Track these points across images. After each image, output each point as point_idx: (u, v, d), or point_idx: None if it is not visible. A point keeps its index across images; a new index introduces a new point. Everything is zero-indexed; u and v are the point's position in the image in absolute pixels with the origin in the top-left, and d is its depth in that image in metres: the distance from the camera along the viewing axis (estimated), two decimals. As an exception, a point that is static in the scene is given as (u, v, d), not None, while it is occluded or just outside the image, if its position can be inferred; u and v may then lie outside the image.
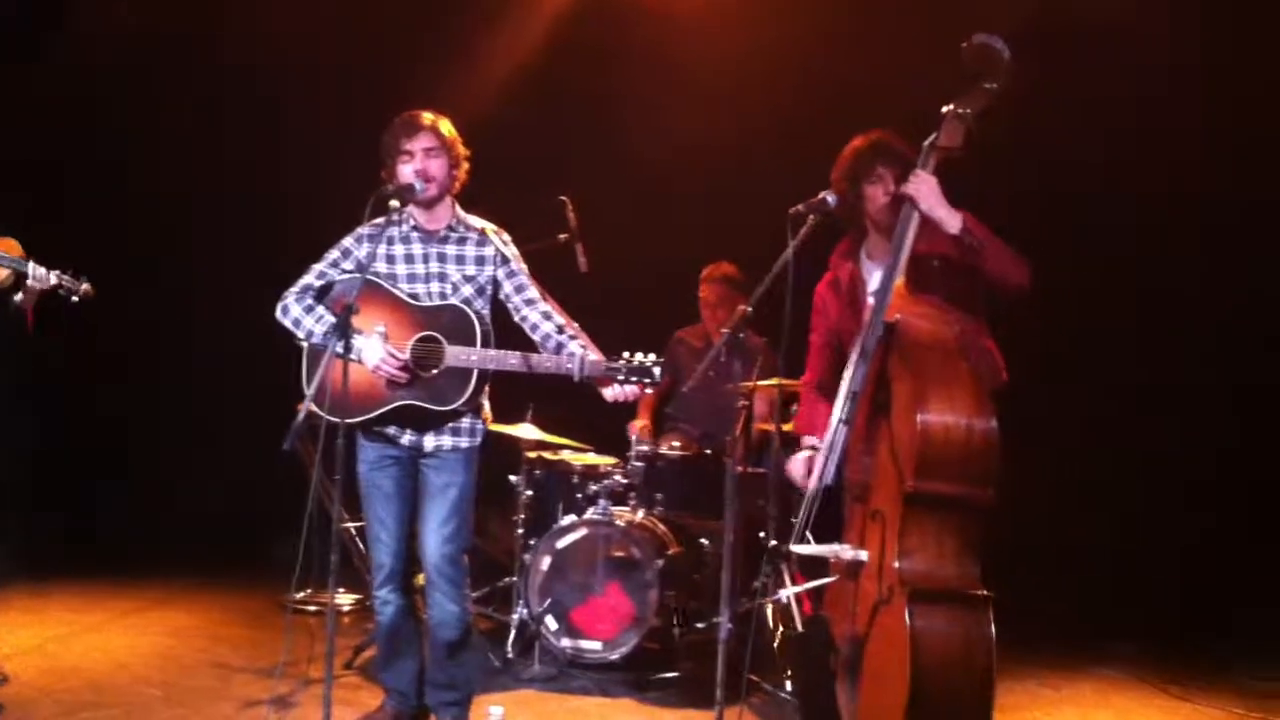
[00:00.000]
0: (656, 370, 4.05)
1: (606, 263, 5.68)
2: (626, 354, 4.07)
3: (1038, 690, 5.49)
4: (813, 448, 4.21)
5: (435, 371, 4.20)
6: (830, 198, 3.99)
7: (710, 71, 7.19)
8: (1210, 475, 6.92)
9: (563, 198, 5.59)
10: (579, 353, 4.13)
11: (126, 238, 7.57)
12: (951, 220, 3.84)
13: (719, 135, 7.19)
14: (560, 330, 4.29)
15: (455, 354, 4.16)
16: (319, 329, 4.28)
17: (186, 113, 7.80)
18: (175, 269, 7.93)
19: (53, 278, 4.89)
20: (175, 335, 7.91)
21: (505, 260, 4.38)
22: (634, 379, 4.05)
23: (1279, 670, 5.79)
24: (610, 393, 4.14)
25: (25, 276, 4.86)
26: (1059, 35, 6.35)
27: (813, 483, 3.98)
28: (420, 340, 4.22)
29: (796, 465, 4.28)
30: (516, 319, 4.38)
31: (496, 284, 4.38)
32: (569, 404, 5.51)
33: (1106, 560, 7.00)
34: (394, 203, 4.17)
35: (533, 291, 4.38)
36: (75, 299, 4.98)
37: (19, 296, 4.89)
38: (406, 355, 4.20)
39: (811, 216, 3.94)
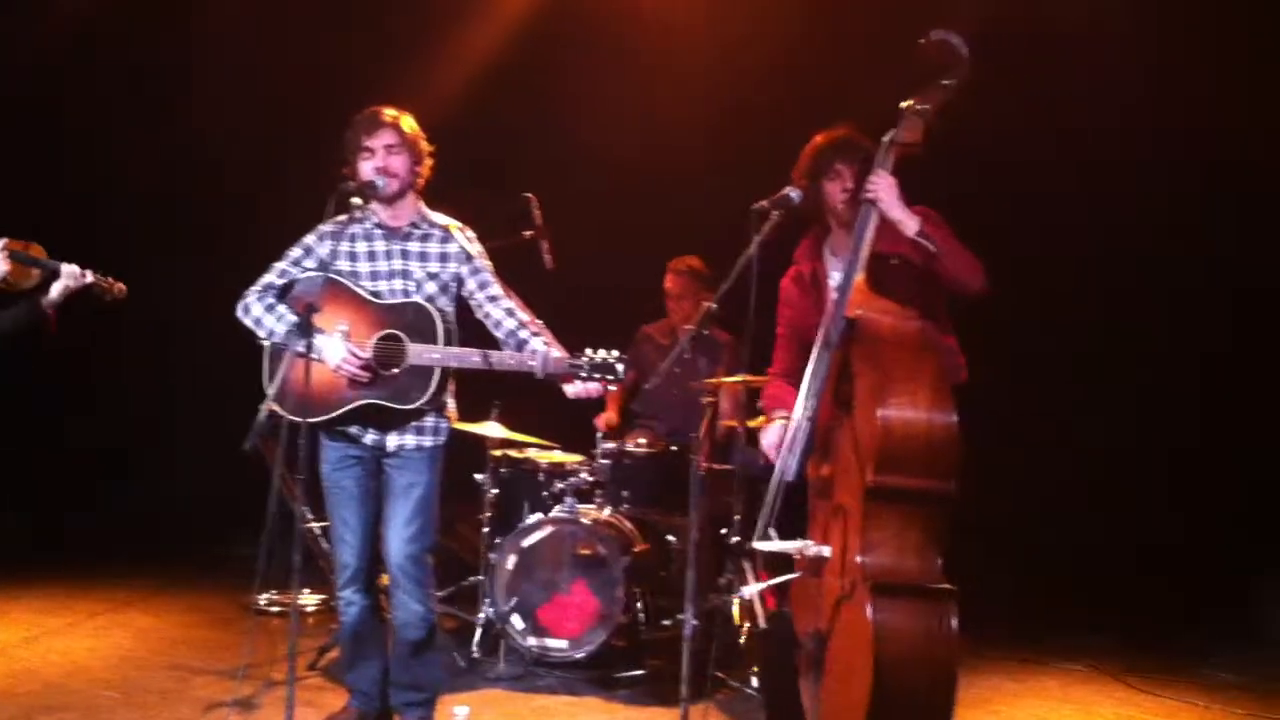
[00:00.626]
0: (619, 366, 4.04)
1: (572, 260, 5.67)
2: (589, 350, 4.06)
3: (1000, 683, 5.52)
4: (784, 418, 4.23)
5: (397, 370, 4.18)
6: (794, 193, 4.00)
7: (676, 68, 7.22)
8: (1172, 473, 6.99)
9: (528, 195, 5.58)
10: (541, 349, 4.12)
11: (96, 237, 7.53)
12: (909, 222, 3.86)
13: (684, 132, 7.22)
14: (523, 327, 4.27)
15: (417, 352, 4.14)
16: (280, 328, 4.25)
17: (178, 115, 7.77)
18: (145, 270, 7.87)
19: (88, 276, 4.87)
20: (140, 337, 7.85)
21: (469, 257, 4.37)
22: (597, 375, 4.05)
23: (1238, 663, 5.85)
24: (572, 390, 4.13)
25: (56, 277, 4.83)
26: (1019, 36, 6.39)
27: (775, 479, 3.98)
28: (382, 339, 4.20)
29: (770, 436, 4.30)
30: (479, 315, 4.37)
31: (460, 281, 4.36)
32: (535, 402, 5.52)
33: (1068, 555, 7.06)
34: (356, 200, 4.15)
35: (496, 288, 4.37)
36: (109, 299, 4.98)
37: (48, 298, 4.83)
38: (368, 354, 4.18)
39: (775, 212, 3.94)
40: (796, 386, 4.17)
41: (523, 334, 4.25)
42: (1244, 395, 6.88)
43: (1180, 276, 6.97)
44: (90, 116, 7.71)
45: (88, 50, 7.56)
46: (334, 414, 4.22)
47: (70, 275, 4.82)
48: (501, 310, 4.33)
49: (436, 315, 4.19)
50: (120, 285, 4.99)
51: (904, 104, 3.86)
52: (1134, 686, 5.52)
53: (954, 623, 3.55)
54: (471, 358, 4.14)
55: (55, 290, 4.82)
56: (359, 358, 4.16)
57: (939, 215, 4.01)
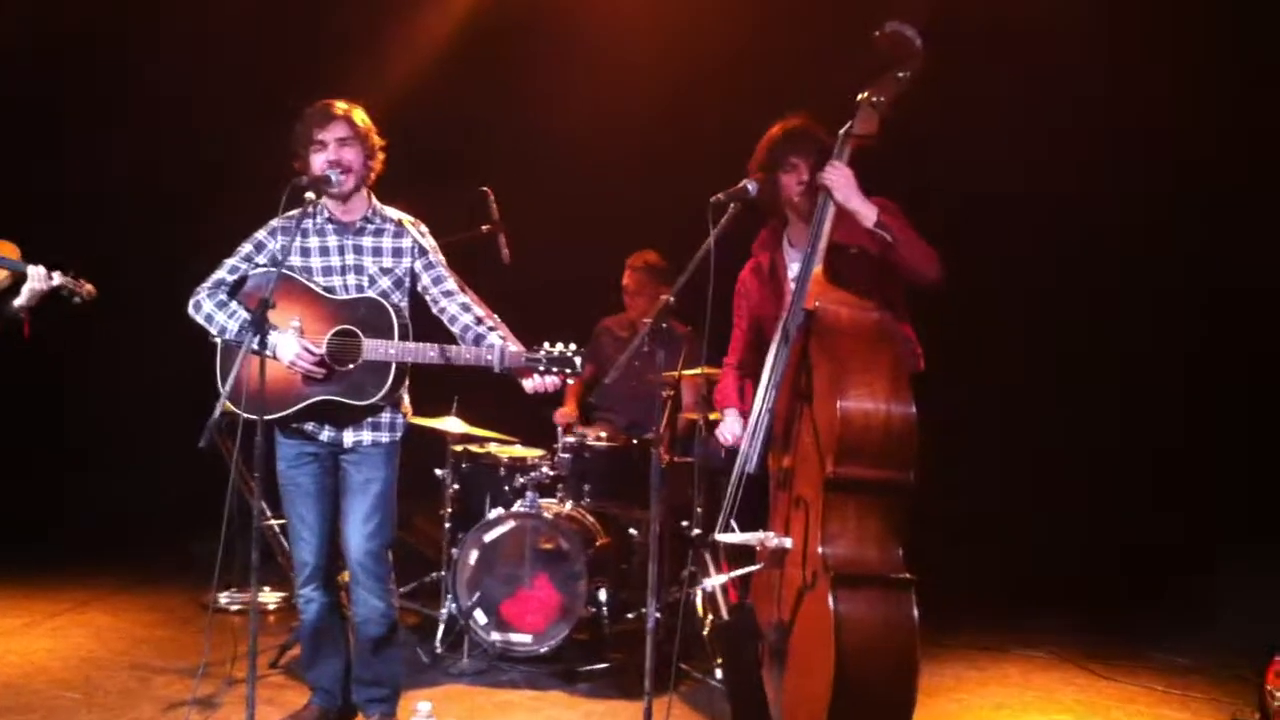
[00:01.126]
0: (578, 360, 4.04)
1: (529, 254, 5.65)
2: (547, 344, 4.05)
3: (963, 672, 5.54)
4: (736, 415, 4.25)
5: (353, 366, 4.15)
6: (751, 186, 4.00)
7: (632, 59, 7.17)
8: (1128, 458, 7.05)
9: (484, 189, 5.54)
10: (498, 344, 4.10)
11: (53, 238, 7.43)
12: (867, 212, 3.87)
13: (641, 124, 7.19)
14: (479, 322, 4.25)
15: (373, 347, 4.12)
16: (233, 325, 4.21)
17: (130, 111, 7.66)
18: (97, 270, 7.75)
19: (56, 278, 4.78)
20: (96, 336, 7.74)
21: (423, 251, 4.34)
22: (555, 369, 4.04)
23: (1194, 648, 5.89)
24: (530, 384, 4.12)
25: (24, 279, 4.74)
26: (973, 34, 6.41)
27: (736, 471, 3.99)
28: (336, 334, 4.17)
29: (723, 431, 4.31)
30: (435, 311, 4.34)
31: (414, 276, 4.34)
32: (494, 396, 5.49)
33: (1029, 544, 7.11)
34: (309, 194, 4.12)
35: (451, 283, 4.35)
36: (77, 300, 4.88)
37: (18, 301, 4.75)
38: (322, 350, 4.15)
39: (732, 205, 3.94)
40: (750, 378, 4.22)
41: (479, 328, 4.23)
42: (1208, 392, 6.96)
43: (1158, 276, 7.04)
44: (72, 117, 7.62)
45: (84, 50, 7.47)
46: (289, 411, 4.19)
47: (36, 277, 4.74)
48: (457, 305, 4.30)
49: (391, 310, 4.17)
50: (89, 286, 4.90)
51: (859, 96, 3.86)
52: (1094, 672, 5.57)
53: (914, 612, 3.57)
54: (428, 353, 4.11)
55: (24, 294, 4.75)
56: (313, 354, 4.12)
57: (897, 206, 4.02)
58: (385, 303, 4.19)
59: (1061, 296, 7.26)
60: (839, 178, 3.85)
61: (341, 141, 4.19)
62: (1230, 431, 6.89)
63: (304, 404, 4.18)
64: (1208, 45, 6.47)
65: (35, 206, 7.25)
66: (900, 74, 3.82)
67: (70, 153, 7.67)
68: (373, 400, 4.16)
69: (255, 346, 3.83)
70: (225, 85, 7.47)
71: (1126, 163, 6.82)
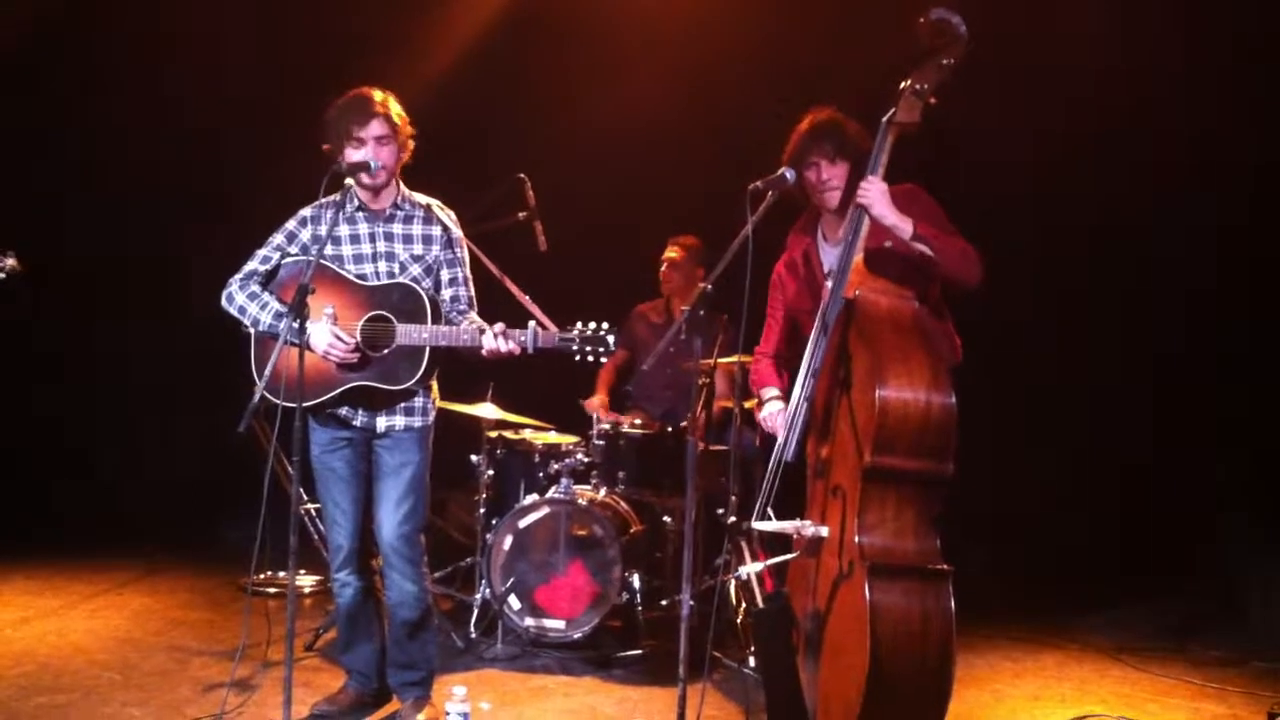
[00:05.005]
0: (610, 339, 4.06)
1: (565, 240, 5.65)
2: (580, 324, 4.07)
3: (998, 663, 5.52)
4: (775, 396, 4.26)
5: (386, 351, 4.16)
6: (789, 174, 3.98)
7: (668, 45, 7.14)
8: (1159, 451, 7.00)
9: (521, 175, 5.54)
10: (531, 325, 4.11)
11: (70, 229, 7.48)
12: (903, 226, 3.82)
13: (678, 112, 7.16)
14: (456, 311, 4.34)
15: (406, 332, 4.13)
16: (265, 316, 4.23)
17: (127, 101, 7.64)
18: (128, 250, 7.79)
19: None
20: (130, 319, 7.80)
21: (449, 242, 4.37)
22: (589, 349, 4.06)
23: (1230, 643, 5.86)
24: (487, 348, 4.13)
25: None
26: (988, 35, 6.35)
27: (773, 459, 3.98)
28: (370, 320, 4.18)
29: (768, 411, 4.30)
30: None
31: (439, 265, 4.36)
32: (530, 383, 5.49)
33: (1063, 534, 7.07)
34: (348, 181, 4.12)
35: (458, 273, 4.40)
36: (2, 275, 4.64)
37: None
38: (355, 337, 4.16)
39: (770, 193, 3.92)
40: (782, 369, 4.20)
41: (454, 316, 4.30)
42: (1242, 390, 6.88)
43: (1131, 278, 7.00)
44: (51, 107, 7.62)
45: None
46: (325, 398, 4.21)
47: None
48: (447, 295, 4.36)
49: (424, 295, 4.19)
50: (13, 262, 4.61)
51: (902, 84, 3.83)
52: (1129, 665, 5.53)
53: (951, 604, 3.56)
54: (461, 336, 4.13)
55: None
56: (345, 342, 4.14)
57: (927, 194, 3.98)
58: (418, 288, 4.20)
59: (1089, 296, 7.21)
60: (874, 193, 3.81)
61: (380, 140, 4.19)
62: (1265, 428, 6.82)
63: (339, 390, 4.19)
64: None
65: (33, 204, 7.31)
66: (944, 61, 3.77)
67: (71, 147, 7.67)
68: (406, 385, 4.18)
69: (294, 332, 3.84)
70: (243, 83, 7.44)
71: (1156, 161, 6.75)
